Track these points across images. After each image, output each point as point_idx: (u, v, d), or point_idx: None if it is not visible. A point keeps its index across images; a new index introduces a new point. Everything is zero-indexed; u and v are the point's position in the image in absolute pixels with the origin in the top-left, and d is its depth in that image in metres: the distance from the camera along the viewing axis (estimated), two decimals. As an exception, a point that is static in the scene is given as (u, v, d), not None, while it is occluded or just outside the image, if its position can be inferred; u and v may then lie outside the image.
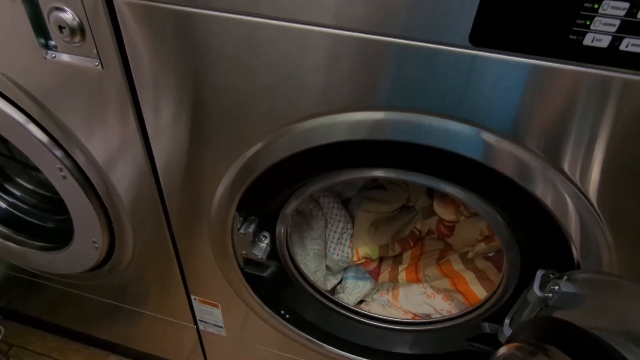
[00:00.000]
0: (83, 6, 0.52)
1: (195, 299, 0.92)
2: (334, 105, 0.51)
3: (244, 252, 0.76)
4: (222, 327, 0.96)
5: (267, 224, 0.76)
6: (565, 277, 0.57)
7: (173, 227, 0.79)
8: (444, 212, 0.83)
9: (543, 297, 0.58)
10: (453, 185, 0.60)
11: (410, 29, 0.43)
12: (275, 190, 0.69)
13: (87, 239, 0.83)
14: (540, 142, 0.47)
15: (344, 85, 0.49)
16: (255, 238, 0.76)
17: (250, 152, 0.60)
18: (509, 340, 0.61)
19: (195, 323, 1.00)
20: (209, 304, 0.91)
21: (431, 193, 0.91)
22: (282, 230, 0.76)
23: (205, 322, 0.98)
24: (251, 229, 0.73)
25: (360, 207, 0.91)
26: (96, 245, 0.83)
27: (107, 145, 0.68)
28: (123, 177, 0.72)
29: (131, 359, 1.30)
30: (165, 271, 0.89)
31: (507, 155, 0.50)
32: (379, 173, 0.62)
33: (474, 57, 0.43)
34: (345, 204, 0.95)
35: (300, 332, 0.85)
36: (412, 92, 0.48)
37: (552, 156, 0.48)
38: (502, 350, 0.58)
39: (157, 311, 1.03)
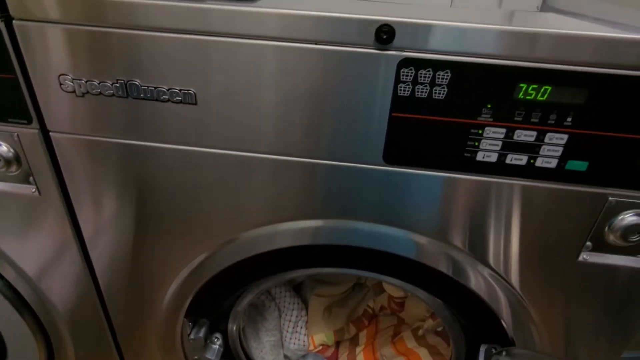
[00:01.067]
0: (20, 141, 0.53)
1: (146, 410, 0.86)
2: (275, 216, 0.54)
3: (196, 357, 0.74)
4: None
5: (218, 324, 0.75)
6: (504, 353, 0.60)
7: (118, 337, 0.75)
8: (393, 289, 0.86)
9: (488, 372, 0.62)
10: (393, 278, 0.63)
11: (336, 152, 0.48)
12: (225, 293, 0.69)
13: (22, 357, 0.77)
14: (465, 240, 0.53)
15: (283, 199, 0.53)
16: (207, 341, 0.74)
17: (195, 262, 0.61)
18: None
19: None
20: (161, 414, 0.86)
21: (379, 269, 0.94)
22: (235, 328, 0.75)
23: None
24: (202, 333, 0.71)
25: (313, 291, 0.92)
26: (33, 365, 0.77)
27: (39, 258, 0.66)
28: (58, 285, 0.69)
29: None
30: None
31: (438, 253, 0.55)
32: (325, 271, 0.65)
33: (390, 172, 0.48)
34: (297, 289, 0.96)
35: None
36: (346, 202, 0.52)
37: (478, 252, 0.54)
38: None
39: None
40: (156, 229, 0.59)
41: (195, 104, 0.46)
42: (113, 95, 0.47)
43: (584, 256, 0.51)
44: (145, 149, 0.51)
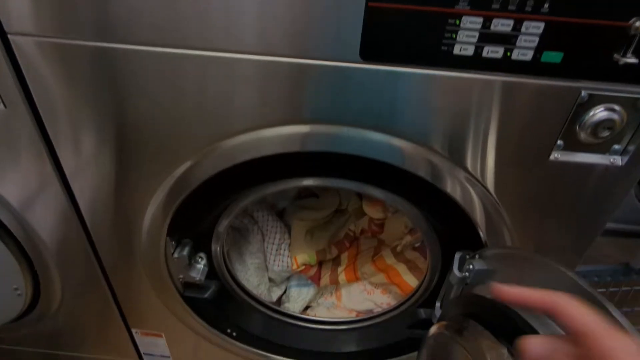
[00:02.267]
0: (-24, 45, 0.50)
1: (136, 332, 0.89)
2: (261, 121, 0.54)
3: (181, 276, 0.75)
4: (168, 357, 0.94)
5: (201, 245, 0.76)
6: (477, 256, 0.63)
7: (104, 263, 0.76)
8: (372, 211, 0.89)
9: (462, 277, 0.65)
10: (374, 187, 0.64)
11: (312, 50, 0.47)
12: (206, 209, 0.70)
13: (7, 287, 0.78)
14: (445, 144, 0.54)
15: (265, 103, 0.52)
16: (191, 260, 0.76)
17: (178, 172, 0.60)
18: (438, 321, 0.66)
19: (141, 358, 0.97)
20: (152, 335, 0.89)
21: (360, 195, 0.96)
22: (218, 248, 0.77)
23: (151, 355, 0.95)
24: (185, 251, 0.73)
25: (295, 216, 0.94)
26: (18, 292, 0.78)
27: (21, 187, 0.65)
28: (43, 218, 0.69)
29: (75, 409, 1.22)
30: (100, 309, 0.85)
31: (418, 158, 0.55)
32: (306, 182, 0.65)
33: (367, 70, 0.48)
34: (280, 215, 0.98)
35: (248, 347, 0.85)
36: (327, 105, 0.52)
37: (456, 156, 0.55)
38: (432, 330, 0.63)
39: (98, 352, 0.98)
40: (136, 143, 0.57)
41: (166, -4, 0.44)
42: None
43: (555, 155, 0.53)
44: (119, 52, 0.49)
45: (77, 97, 0.54)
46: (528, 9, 0.42)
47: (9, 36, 0.49)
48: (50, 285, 0.79)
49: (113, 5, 0.46)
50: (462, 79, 0.48)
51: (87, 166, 0.61)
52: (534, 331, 0.44)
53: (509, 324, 0.48)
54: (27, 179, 0.64)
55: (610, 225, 0.92)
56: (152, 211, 0.66)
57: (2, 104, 0.55)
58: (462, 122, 0.51)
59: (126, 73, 0.51)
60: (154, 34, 0.47)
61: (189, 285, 0.79)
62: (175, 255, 0.72)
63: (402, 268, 0.85)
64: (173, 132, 0.56)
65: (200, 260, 0.77)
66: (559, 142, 0.52)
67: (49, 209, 0.68)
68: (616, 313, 0.38)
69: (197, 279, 0.75)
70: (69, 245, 0.73)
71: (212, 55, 0.48)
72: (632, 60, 0.43)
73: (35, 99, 0.54)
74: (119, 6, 0.46)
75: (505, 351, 0.46)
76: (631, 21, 0.42)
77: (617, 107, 0.48)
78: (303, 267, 0.90)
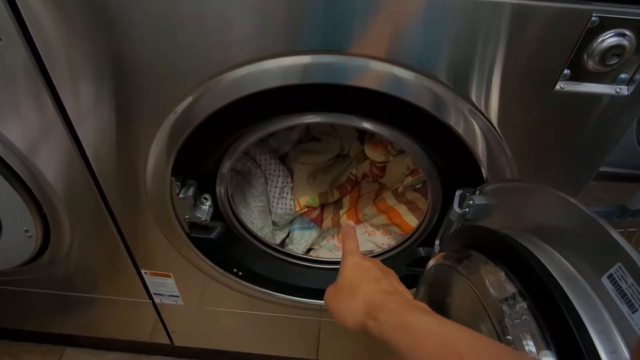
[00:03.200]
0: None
1: (146, 273, 0.93)
2: (260, 52, 0.52)
3: (187, 216, 0.77)
4: (178, 297, 0.98)
5: (206, 186, 0.77)
6: (477, 192, 0.64)
7: (111, 205, 0.77)
8: (374, 154, 0.89)
9: (462, 213, 0.66)
10: (376, 123, 0.64)
11: None
12: (209, 147, 0.70)
13: (18, 229, 0.80)
14: (450, 75, 0.53)
15: (269, 30, 0.51)
16: (197, 201, 0.77)
17: (180, 108, 0.59)
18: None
19: (151, 298, 1.01)
20: (160, 275, 0.92)
21: (362, 139, 0.96)
22: (222, 190, 0.78)
23: (161, 295, 0.99)
24: (190, 192, 0.74)
25: (297, 160, 0.94)
26: (29, 234, 0.80)
27: (26, 130, 0.64)
28: (49, 162, 0.69)
29: (90, 348, 1.28)
30: (110, 251, 0.88)
31: (423, 89, 0.54)
32: (308, 118, 0.65)
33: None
34: (282, 159, 0.98)
35: (254, 286, 0.89)
36: (327, 34, 0.50)
37: (461, 87, 0.54)
38: (432, 262, 0.65)
39: (109, 293, 1.02)
40: (136, 80, 0.57)
41: None
42: None
43: (561, 85, 0.52)
44: None
45: (75, 40, 0.53)
46: None
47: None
48: (59, 228, 0.81)
49: None
50: (469, 2, 0.46)
51: (90, 108, 0.61)
52: (530, 255, 0.46)
53: (507, 250, 0.50)
54: (31, 122, 0.63)
55: (607, 168, 0.94)
56: (156, 152, 0.66)
57: (-3, 36, 0.53)
58: (468, 50, 0.50)
59: (121, 10, 0.49)
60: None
61: (195, 225, 0.81)
62: (181, 195, 0.73)
63: (402, 209, 0.86)
64: (171, 67, 0.55)
65: (205, 201, 0.78)
66: (565, 71, 0.51)
67: (55, 152, 0.68)
68: (613, 232, 0.40)
69: (203, 219, 0.77)
70: (76, 188, 0.73)
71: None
72: (646, -22, 0.42)
73: (33, 35, 0.53)
74: None
75: (502, 274, 0.48)
76: None
77: (627, 32, 0.47)
78: (306, 209, 0.91)
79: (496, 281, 0.48)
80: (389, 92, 0.55)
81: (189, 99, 0.58)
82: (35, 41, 0.54)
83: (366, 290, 0.46)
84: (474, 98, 0.55)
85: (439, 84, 0.53)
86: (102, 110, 0.61)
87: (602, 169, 0.91)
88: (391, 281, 0.49)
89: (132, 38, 0.52)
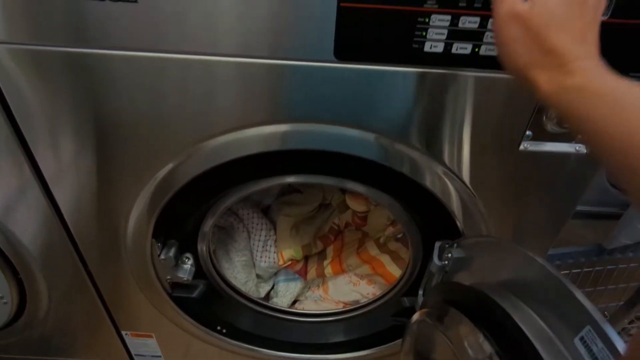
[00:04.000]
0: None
1: (126, 334, 0.90)
2: (242, 121, 0.54)
3: (168, 277, 0.76)
4: (160, 357, 0.95)
5: (188, 245, 0.77)
6: (455, 245, 0.66)
7: (90, 267, 0.76)
8: (355, 205, 0.90)
9: (442, 265, 0.67)
10: (355, 182, 0.66)
11: (294, 52, 0.48)
12: (190, 209, 0.70)
13: (-8, 296, 0.78)
14: (423, 140, 0.56)
15: (246, 103, 0.53)
16: (178, 261, 0.77)
17: (161, 174, 0.60)
18: (420, 308, 0.69)
19: (132, 359, 0.97)
20: (142, 336, 0.90)
21: (343, 189, 0.98)
22: (204, 248, 0.78)
23: (142, 356, 0.95)
24: (172, 252, 0.73)
25: (280, 212, 0.95)
26: (4, 301, 0.78)
27: (2, 194, 0.64)
28: (24, 225, 0.69)
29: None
30: (89, 313, 0.85)
31: (397, 154, 0.57)
32: (289, 179, 0.67)
33: (342, 69, 0.49)
34: (265, 212, 0.99)
35: (238, 343, 0.87)
36: (307, 104, 0.53)
37: (434, 152, 0.57)
38: (415, 317, 0.65)
39: (88, 356, 0.98)
40: (117, 147, 0.58)
41: (135, 1, 0.44)
42: (46, -7, 0.44)
43: (525, 145, 0.55)
44: (94, 57, 0.49)
45: (54, 102, 0.54)
46: (493, 7, 0.44)
47: (-19, 45, 0.49)
48: (36, 292, 0.79)
49: (88, 12, 0.46)
50: (434, 74, 0.49)
51: (68, 170, 0.61)
52: (507, 316, 0.47)
53: (485, 310, 0.51)
54: (6, 185, 0.63)
55: (583, 207, 0.96)
56: (137, 213, 0.66)
57: (-23, 114, 0.54)
58: (436, 116, 0.53)
59: (103, 78, 0.51)
60: (131, 39, 0.48)
61: (177, 285, 0.80)
62: (162, 256, 0.73)
63: (386, 259, 0.87)
64: (154, 134, 0.56)
65: (187, 260, 0.77)
66: (527, 132, 0.54)
67: (31, 214, 0.67)
68: (579, 295, 0.41)
69: (185, 279, 0.76)
70: (52, 251, 0.72)
71: (190, 58, 0.49)
72: (591, 53, 0.46)
73: (11, 105, 0.54)
74: (94, 12, 0.46)
75: (481, 336, 0.48)
76: (589, 17, 0.44)
77: (580, 98, 0.51)
78: (289, 262, 0.91)
79: (474, 342, 0.49)
80: (365, 156, 0.57)
81: (170, 165, 0.59)
82: (14, 113, 0.55)
83: (565, 37, 0.33)
84: (446, 160, 0.57)
85: (412, 148, 0.56)
86: (81, 172, 0.61)
87: (579, 208, 0.94)
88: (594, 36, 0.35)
89: (115, 103, 0.53)
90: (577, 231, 0.96)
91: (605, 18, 0.43)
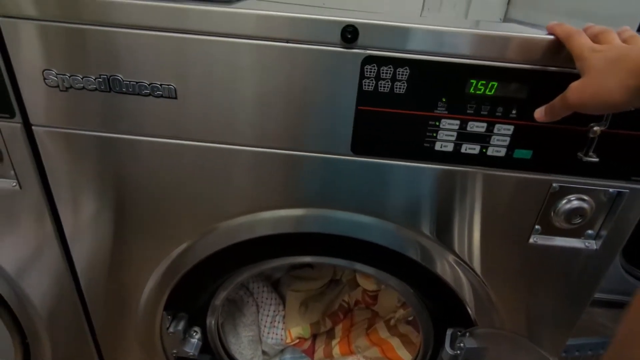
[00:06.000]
0: (2, 135, 0.55)
1: (125, 407, 0.86)
2: (257, 205, 0.57)
3: (174, 350, 0.75)
4: None
5: (197, 318, 0.77)
6: (467, 334, 0.65)
7: (97, 335, 0.76)
8: (366, 283, 0.90)
9: (454, 354, 0.66)
10: (365, 265, 0.67)
11: (309, 144, 0.52)
12: (204, 285, 0.71)
13: (-3, 361, 0.77)
14: (433, 229, 0.58)
15: (262, 190, 0.56)
16: (186, 335, 0.76)
17: (175, 253, 0.63)
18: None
19: None
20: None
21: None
22: (213, 322, 0.77)
23: None
24: (181, 326, 0.73)
25: (290, 287, 0.95)
26: (8, 365, 0.77)
27: (19, 251, 0.66)
28: (37, 284, 0.70)
29: None
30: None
31: (408, 240, 0.59)
32: (300, 260, 0.68)
33: (358, 163, 0.53)
34: (275, 284, 0.98)
35: None
36: (321, 192, 0.56)
37: (445, 240, 0.58)
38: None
39: None
40: (136, 221, 0.61)
41: (176, 98, 0.50)
42: (96, 89, 0.49)
43: (534, 239, 0.56)
44: (125, 142, 0.54)
45: (85, 182, 0.58)
46: (498, 114, 0.48)
47: (32, 127, 0.54)
48: (39, 354, 0.78)
49: (124, 106, 0.51)
50: (444, 170, 0.52)
51: (88, 239, 0.64)
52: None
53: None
54: (25, 244, 0.65)
55: (602, 295, 0.94)
56: (151, 286, 0.68)
57: (18, 186, 0.59)
58: (447, 208, 0.55)
59: (129, 161, 0.55)
60: (157, 127, 0.52)
61: (182, 359, 0.78)
62: (171, 329, 0.72)
63: (396, 342, 0.85)
64: (169, 217, 0.60)
65: (194, 334, 0.77)
66: (536, 226, 0.56)
67: (45, 274, 0.68)
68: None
69: (191, 353, 0.75)
70: (61, 311, 0.73)
71: (211, 146, 0.53)
72: (593, 159, 0.48)
73: (50, 182, 0.58)
74: (128, 106, 0.51)
75: None
76: (589, 126, 0.47)
77: (586, 197, 0.53)
78: (297, 340, 0.89)
79: None
80: (376, 241, 0.59)
81: (184, 244, 0.62)
82: (51, 187, 0.59)
83: (630, 58, 0.38)
84: (457, 249, 0.59)
85: (423, 236, 0.58)
86: (100, 243, 0.64)
87: (598, 295, 0.92)
88: None
89: (135, 184, 0.57)
90: (598, 319, 0.93)
91: (603, 128, 0.47)
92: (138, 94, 0.50)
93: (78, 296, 0.71)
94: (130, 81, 0.49)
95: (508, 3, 0.93)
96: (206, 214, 0.59)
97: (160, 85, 0.49)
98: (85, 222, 0.62)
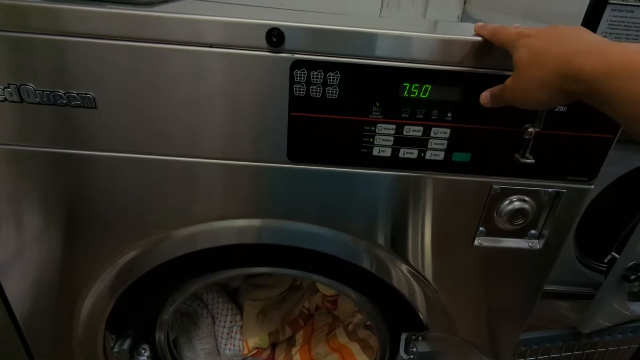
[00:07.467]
0: None
1: None
2: (194, 217, 0.55)
3: (121, 372, 0.71)
4: None
5: (145, 334, 0.73)
6: (420, 338, 0.64)
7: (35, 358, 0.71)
8: (325, 288, 0.89)
9: (408, 359, 0.65)
10: (320, 276, 0.65)
11: (245, 153, 0.50)
12: (150, 298, 0.68)
13: None
14: (387, 240, 0.56)
15: (203, 199, 0.53)
16: (134, 353, 0.72)
17: (122, 262, 0.59)
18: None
19: None
20: None
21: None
22: (163, 337, 0.74)
23: None
24: (126, 345, 0.69)
25: (247, 296, 0.92)
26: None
27: None
28: None
29: None
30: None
31: (363, 252, 0.58)
32: (255, 270, 0.66)
33: (296, 170, 0.51)
34: (233, 294, 0.96)
35: None
36: (265, 201, 0.54)
37: (397, 250, 0.57)
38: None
39: None
40: (75, 235, 0.57)
41: (95, 107, 0.46)
42: (5, 100, 0.45)
43: (479, 241, 0.56)
44: (46, 155, 0.50)
45: (10, 200, 0.53)
46: (434, 117, 0.47)
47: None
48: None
49: (36, 118, 0.47)
50: (383, 175, 0.51)
51: (17, 256, 0.59)
52: None
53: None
54: None
55: (560, 287, 0.95)
56: (91, 301, 0.64)
57: None
58: (393, 215, 0.54)
59: (51, 175, 0.51)
60: (81, 141, 0.49)
61: (131, 379, 0.75)
62: (116, 349, 0.69)
63: (355, 347, 0.84)
64: (102, 229, 0.56)
65: (143, 352, 0.73)
66: (480, 228, 0.55)
67: None
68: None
69: (139, 374, 0.71)
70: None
71: (142, 157, 0.50)
72: (529, 160, 0.48)
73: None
74: (43, 118, 0.47)
75: None
76: (524, 127, 0.47)
77: (527, 198, 0.53)
78: (255, 350, 0.87)
79: None
80: (331, 253, 0.57)
81: (133, 253, 0.58)
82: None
83: (551, 55, 0.35)
84: (410, 260, 0.58)
85: (378, 247, 0.57)
86: (33, 254, 0.59)
87: (551, 288, 0.93)
88: (579, 34, 0.37)
89: (64, 199, 0.53)
90: (556, 310, 0.95)
91: (538, 129, 0.47)
92: (53, 104, 0.46)
93: (9, 317, 0.66)
94: (43, 90, 0.45)
95: (465, 2, 0.93)
96: (141, 227, 0.56)
97: (77, 94, 0.45)
98: (12, 246, 0.58)
